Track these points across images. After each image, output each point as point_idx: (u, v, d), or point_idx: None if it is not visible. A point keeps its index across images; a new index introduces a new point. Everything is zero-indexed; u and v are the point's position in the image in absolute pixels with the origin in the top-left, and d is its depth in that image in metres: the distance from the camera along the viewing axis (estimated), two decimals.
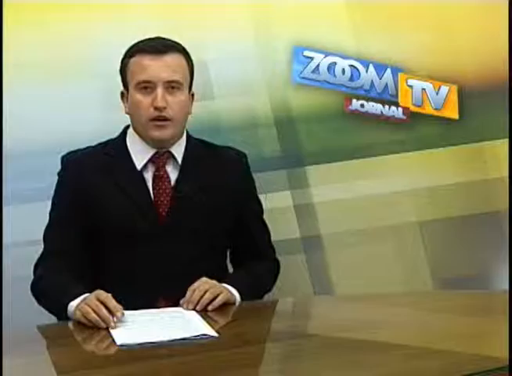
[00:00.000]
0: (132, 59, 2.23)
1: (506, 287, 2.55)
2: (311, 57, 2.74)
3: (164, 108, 2.19)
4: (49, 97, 2.63)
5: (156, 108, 2.19)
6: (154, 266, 2.21)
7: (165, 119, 2.20)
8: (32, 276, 2.24)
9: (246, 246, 2.36)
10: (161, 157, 2.26)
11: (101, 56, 2.63)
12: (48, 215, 2.28)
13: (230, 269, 2.39)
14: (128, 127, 2.32)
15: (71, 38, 2.63)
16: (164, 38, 2.25)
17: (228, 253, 2.38)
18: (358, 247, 2.78)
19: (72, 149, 2.31)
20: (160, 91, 2.19)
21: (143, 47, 2.22)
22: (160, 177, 2.24)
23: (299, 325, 2.04)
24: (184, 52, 2.25)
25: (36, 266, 2.25)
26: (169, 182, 2.24)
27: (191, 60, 2.27)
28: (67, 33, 2.63)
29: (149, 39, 2.25)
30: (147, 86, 2.20)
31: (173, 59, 2.22)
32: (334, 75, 2.75)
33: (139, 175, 2.24)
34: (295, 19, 2.73)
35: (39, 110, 2.63)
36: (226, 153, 2.36)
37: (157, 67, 2.20)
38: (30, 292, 2.22)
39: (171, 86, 2.20)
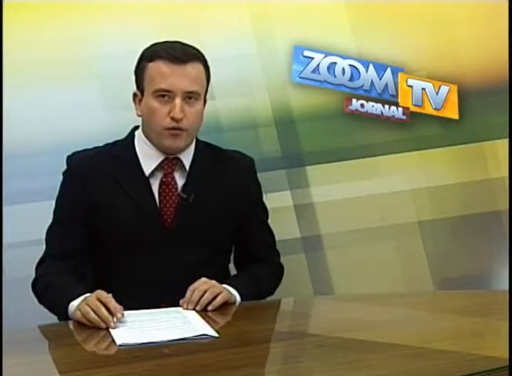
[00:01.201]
0: (151, 64, 2.18)
1: (506, 287, 2.55)
2: (311, 57, 2.74)
3: (181, 119, 2.17)
4: (49, 97, 2.63)
5: (173, 119, 2.16)
6: (157, 272, 2.20)
7: (180, 129, 2.19)
8: (33, 276, 2.23)
9: (250, 250, 2.35)
10: (170, 163, 2.24)
11: (101, 56, 2.63)
12: (48, 214, 2.27)
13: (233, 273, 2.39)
14: (135, 128, 2.30)
15: (71, 38, 2.63)
16: (184, 44, 2.21)
17: (232, 257, 2.37)
18: (358, 247, 2.78)
19: (72, 149, 2.30)
20: (178, 101, 2.16)
21: (164, 53, 2.17)
22: (167, 184, 2.22)
23: (299, 325, 2.03)
24: (203, 60, 2.21)
25: (38, 265, 2.24)
26: (176, 188, 2.22)
27: (208, 68, 2.23)
28: (67, 33, 2.63)
29: (169, 43, 2.21)
30: (165, 94, 2.17)
31: (193, 69, 2.18)
32: (334, 75, 2.75)
33: (146, 180, 2.22)
34: (295, 19, 2.73)
35: (39, 110, 2.63)
36: (234, 158, 2.35)
37: (178, 77, 2.16)
38: (30, 292, 2.22)
39: (189, 96, 2.18)
